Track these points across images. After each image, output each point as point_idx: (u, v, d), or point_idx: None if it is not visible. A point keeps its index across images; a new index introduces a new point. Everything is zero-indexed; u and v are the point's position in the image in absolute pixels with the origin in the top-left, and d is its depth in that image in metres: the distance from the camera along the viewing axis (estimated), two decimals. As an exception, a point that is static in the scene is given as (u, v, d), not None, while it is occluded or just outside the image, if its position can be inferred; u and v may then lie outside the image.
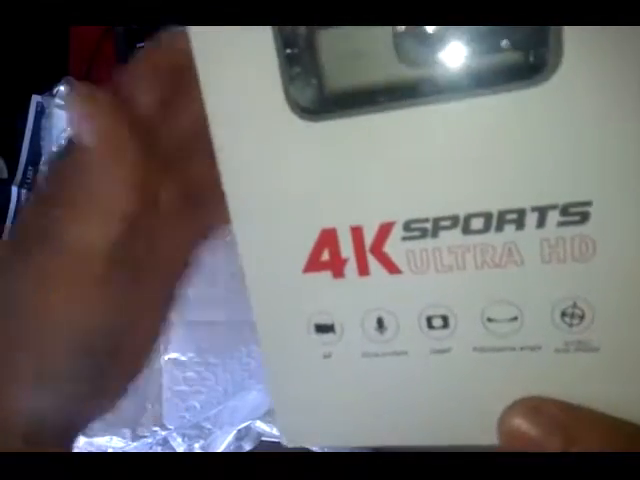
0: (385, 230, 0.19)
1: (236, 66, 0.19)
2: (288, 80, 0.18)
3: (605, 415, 0.19)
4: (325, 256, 0.20)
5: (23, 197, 0.60)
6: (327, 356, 0.21)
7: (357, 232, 0.19)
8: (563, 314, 0.19)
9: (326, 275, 0.20)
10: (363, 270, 0.20)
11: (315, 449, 0.44)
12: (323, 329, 0.21)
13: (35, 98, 0.59)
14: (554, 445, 0.18)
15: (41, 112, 0.59)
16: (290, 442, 0.23)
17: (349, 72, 0.19)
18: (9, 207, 0.60)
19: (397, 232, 0.19)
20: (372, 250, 0.20)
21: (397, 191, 0.19)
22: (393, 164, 0.19)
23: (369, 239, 0.19)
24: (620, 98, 0.17)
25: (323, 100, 0.19)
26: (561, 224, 0.18)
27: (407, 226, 0.19)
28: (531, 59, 0.17)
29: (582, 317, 0.19)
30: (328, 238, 0.20)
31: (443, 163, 0.18)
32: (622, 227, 0.18)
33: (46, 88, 0.59)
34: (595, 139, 0.17)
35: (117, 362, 0.22)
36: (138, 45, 0.53)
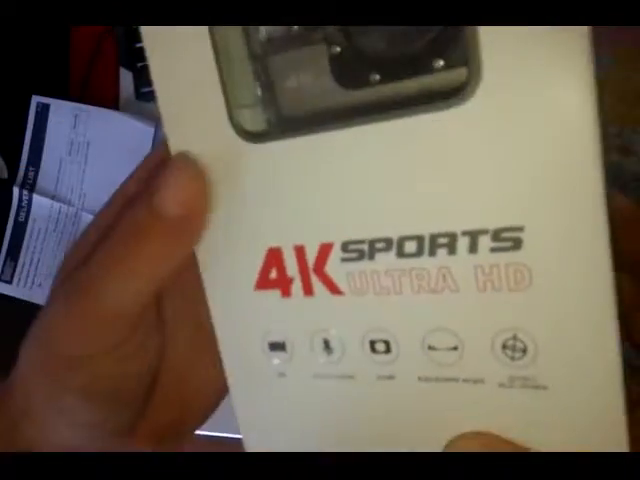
0: (325, 250, 0.19)
1: (185, 89, 0.19)
2: (232, 103, 0.19)
3: None
4: (273, 274, 0.20)
5: (24, 198, 0.60)
6: (282, 375, 0.21)
7: (300, 251, 0.19)
8: (504, 346, 0.18)
9: (275, 293, 0.20)
10: (308, 290, 0.20)
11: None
12: (276, 347, 0.21)
13: (35, 98, 0.59)
14: None
15: (41, 112, 0.59)
16: (251, 448, 0.23)
17: (289, 95, 0.19)
18: (10, 208, 0.60)
19: (336, 253, 0.19)
20: (315, 270, 0.20)
21: (335, 212, 0.19)
22: (330, 185, 0.19)
23: (312, 259, 0.19)
24: (545, 118, 0.16)
25: (264, 123, 0.19)
26: (493, 250, 0.17)
27: (345, 247, 0.19)
28: (455, 78, 0.17)
29: (524, 351, 0.18)
30: (275, 257, 0.20)
31: (375, 184, 0.18)
32: (557, 254, 0.17)
33: (46, 88, 0.59)
34: (523, 161, 0.16)
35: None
36: (138, 45, 0.53)
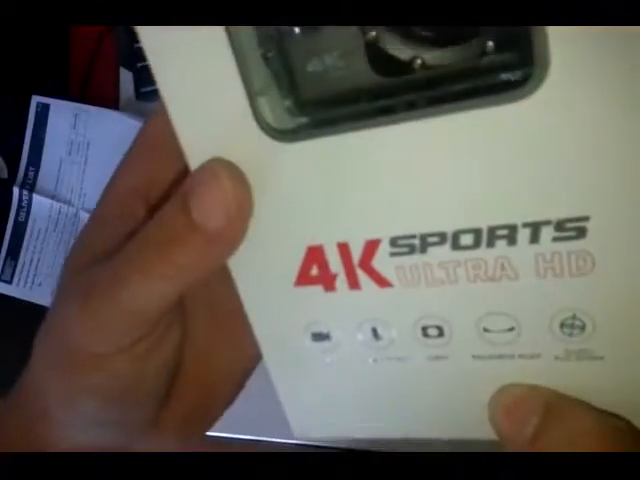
0: (371, 246, 0.19)
1: (203, 94, 0.18)
2: (259, 104, 0.18)
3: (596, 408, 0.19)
4: (314, 271, 0.20)
5: (24, 198, 0.60)
6: (328, 362, 0.21)
7: (344, 248, 0.19)
8: (562, 325, 0.18)
9: (318, 288, 0.20)
10: (354, 284, 0.20)
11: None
12: (319, 337, 0.21)
13: (35, 98, 0.59)
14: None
15: (41, 112, 0.59)
16: (300, 436, 0.23)
17: (324, 89, 0.18)
18: (10, 208, 0.60)
19: (384, 248, 0.19)
20: (361, 265, 0.19)
21: (381, 208, 0.18)
22: (375, 181, 0.18)
23: (357, 255, 0.19)
24: (613, 109, 0.16)
25: (298, 121, 0.19)
26: (556, 239, 0.17)
27: (394, 242, 0.19)
28: (518, 70, 0.16)
29: (583, 328, 0.18)
30: (315, 255, 0.19)
31: (427, 179, 0.18)
32: (622, 240, 0.17)
33: (46, 88, 0.59)
34: (589, 152, 0.16)
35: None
36: (138, 45, 0.53)
